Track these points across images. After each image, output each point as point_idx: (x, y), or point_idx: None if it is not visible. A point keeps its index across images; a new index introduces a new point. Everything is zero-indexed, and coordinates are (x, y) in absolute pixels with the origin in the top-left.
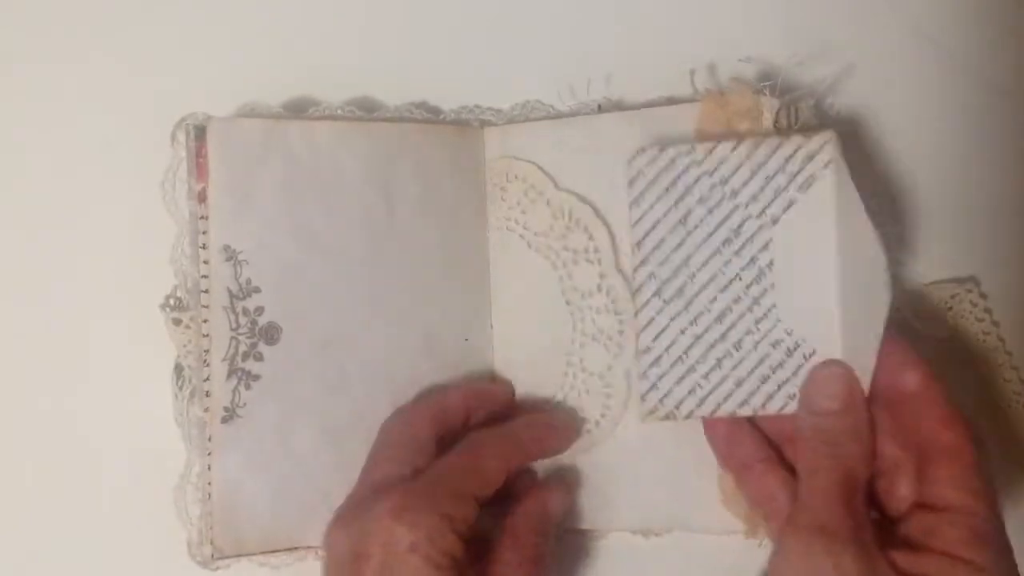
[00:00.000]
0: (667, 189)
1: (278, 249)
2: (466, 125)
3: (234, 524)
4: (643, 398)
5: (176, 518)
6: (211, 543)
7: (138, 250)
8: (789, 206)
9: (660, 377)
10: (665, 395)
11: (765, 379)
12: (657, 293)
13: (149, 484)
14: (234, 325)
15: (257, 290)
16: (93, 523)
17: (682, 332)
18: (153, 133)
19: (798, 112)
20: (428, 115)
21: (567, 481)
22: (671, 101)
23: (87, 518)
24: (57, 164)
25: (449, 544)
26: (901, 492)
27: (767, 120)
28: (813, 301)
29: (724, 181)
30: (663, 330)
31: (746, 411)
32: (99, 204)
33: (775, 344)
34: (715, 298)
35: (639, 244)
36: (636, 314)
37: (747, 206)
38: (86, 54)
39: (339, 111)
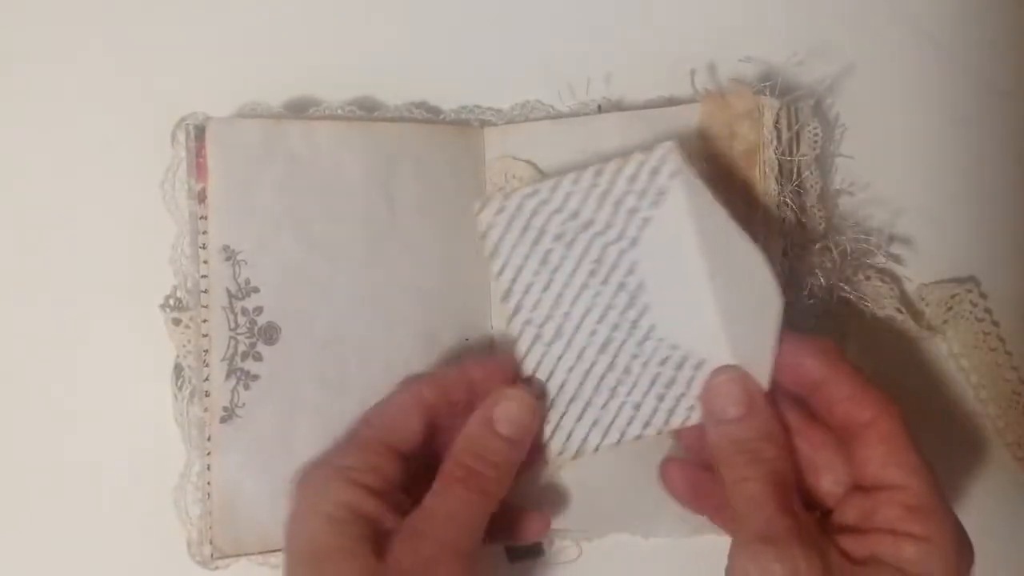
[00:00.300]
0: (521, 234)
1: (278, 249)
2: (466, 125)
3: (234, 524)
4: (547, 444)
5: (176, 518)
6: (211, 543)
7: (138, 250)
8: (645, 225)
9: (560, 418)
10: (569, 434)
11: (662, 397)
12: (536, 338)
13: (149, 484)
14: (233, 325)
15: (256, 290)
16: (93, 523)
17: (570, 370)
18: (153, 133)
19: (798, 112)
20: (428, 115)
21: (523, 395)
22: (671, 101)
23: (87, 518)
24: (57, 164)
25: (344, 495)
26: (825, 486)
27: (768, 120)
28: (692, 312)
29: (575, 214)
30: (551, 373)
31: (651, 431)
32: (99, 204)
33: (663, 361)
34: (594, 330)
35: (508, 294)
36: (520, 363)
37: (604, 233)
38: (86, 54)
39: (339, 111)
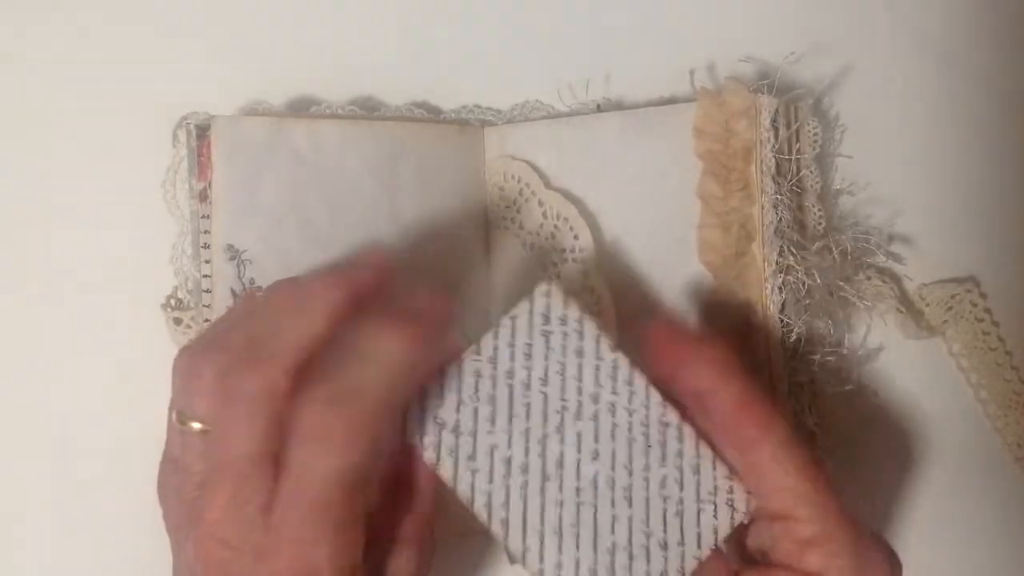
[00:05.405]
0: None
1: (282, 248)
2: (467, 124)
3: None
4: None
5: None
6: None
7: (138, 250)
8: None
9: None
10: None
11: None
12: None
13: (149, 484)
14: None
15: (260, 290)
16: (92, 523)
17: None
18: (153, 133)
19: (797, 111)
20: (429, 115)
21: None
22: (671, 101)
23: (86, 518)
24: (57, 164)
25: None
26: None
27: (765, 118)
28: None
29: (510, 373)
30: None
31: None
32: (99, 204)
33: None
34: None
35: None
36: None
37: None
38: (86, 53)
39: (340, 111)
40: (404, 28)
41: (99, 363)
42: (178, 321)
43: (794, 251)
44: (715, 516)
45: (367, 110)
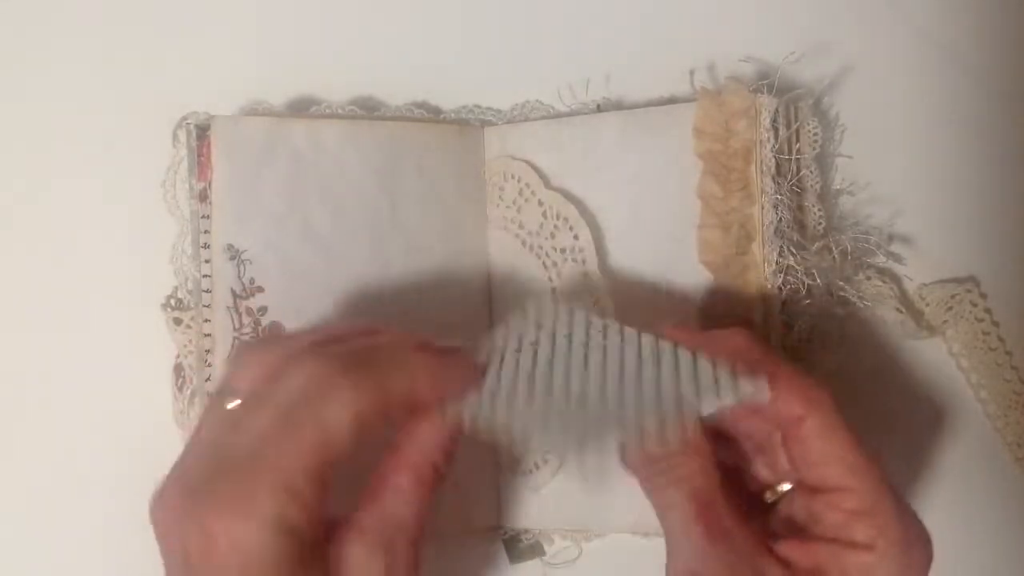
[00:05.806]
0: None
1: (282, 248)
2: (467, 124)
3: None
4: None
5: None
6: None
7: (138, 250)
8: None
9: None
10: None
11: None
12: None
13: (149, 485)
14: (237, 325)
15: (260, 290)
16: (91, 523)
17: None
18: (153, 133)
19: (797, 111)
20: (428, 115)
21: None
22: (671, 101)
23: (86, 518)
24: (57, 164)
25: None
26: (783, 464)
27: (765, 118)
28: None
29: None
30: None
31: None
32: (99, 204)
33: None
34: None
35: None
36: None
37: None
38: (87, 53)
39: (340, 111)
40: (404, 28)
41: (99, 363)
42: (178, 321)
43: (794, 251)
44: (718, 396)
45: (367, 110)
